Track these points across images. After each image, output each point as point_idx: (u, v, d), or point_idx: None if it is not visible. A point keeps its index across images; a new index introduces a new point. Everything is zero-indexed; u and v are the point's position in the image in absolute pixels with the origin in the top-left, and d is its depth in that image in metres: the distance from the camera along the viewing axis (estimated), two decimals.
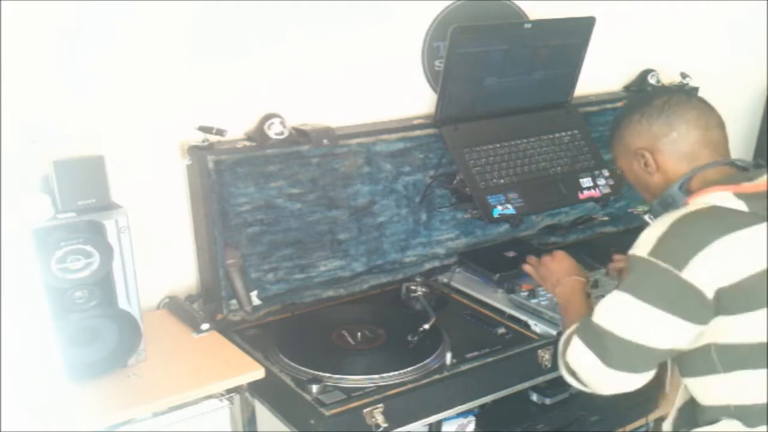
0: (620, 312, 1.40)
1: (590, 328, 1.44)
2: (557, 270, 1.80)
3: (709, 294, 1.33)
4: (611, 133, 1.63)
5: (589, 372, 1.44)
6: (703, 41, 2.72)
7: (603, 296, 1.47)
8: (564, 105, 2.32)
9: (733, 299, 1.33)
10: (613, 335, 1.40)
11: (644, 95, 1.69)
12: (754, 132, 2.98)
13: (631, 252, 1.43)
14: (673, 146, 1.50)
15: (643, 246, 1.40)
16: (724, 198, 1.39)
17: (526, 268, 1.93)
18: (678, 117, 1.50)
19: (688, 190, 1.47)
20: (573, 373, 1.49)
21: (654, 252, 1.36)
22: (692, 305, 1.34)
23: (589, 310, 1.55)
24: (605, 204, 2.35)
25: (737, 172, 1.48)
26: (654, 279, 1.36)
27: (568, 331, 1.52)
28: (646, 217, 1.55)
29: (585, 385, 1.49)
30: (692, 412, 1.51)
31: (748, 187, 1.41)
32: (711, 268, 1.33)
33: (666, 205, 1.49)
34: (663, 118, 1.51)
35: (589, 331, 1.44)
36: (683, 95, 1.57)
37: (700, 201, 1.42)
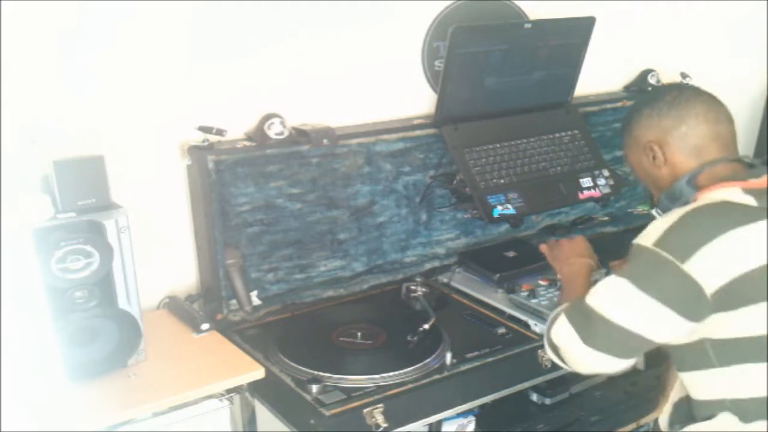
0: (614, 295, 1.40)
1: (580, 307, 1.43)
2: (569, 251, 1.81)
3: (707, 290, 1.32)
4: (622, 126, 1.63)
5: (568, 346, 1.44)
6: (703, 41, 2.72)
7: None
8: (564, 105, 2.31)
9: (733, 295, 1.32)
10: (602, 317, 1.39)
11: (656, 91, 1.68)
12: (754, 132, 2.98)
13: (636, 241, 1.42)
14: (682, 140, 1.50)
15: (649, 236, 1.39)
16: (733, 193, 1.39)
17: (542, 247, 1.91)
18: (687, 111, 1.50)
19: (696, 185, 1.47)
20: (555, 349, 1.48)
21: (659, 243, 1.36)
22: (689, 299, 1.33)
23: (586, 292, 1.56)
24: (605, 204, 2.36)
25: (745, 169, 1.48)
26: (654, 269, 1.36)
27: (558, 309, 1.52)
28: (653, 212, 1.55)
29: (566, 363, 1.48)
30: (688, 407, 1.51)
31: (755, 183, 1.41)
32: (712, 263, 1.32)
33: (674, 199, 1.49)
34: (673, 112, 1.51)
35: (577, 310, 1.44)
36: (693, 90, 1.56)
37: (709, 196, 1.42)
